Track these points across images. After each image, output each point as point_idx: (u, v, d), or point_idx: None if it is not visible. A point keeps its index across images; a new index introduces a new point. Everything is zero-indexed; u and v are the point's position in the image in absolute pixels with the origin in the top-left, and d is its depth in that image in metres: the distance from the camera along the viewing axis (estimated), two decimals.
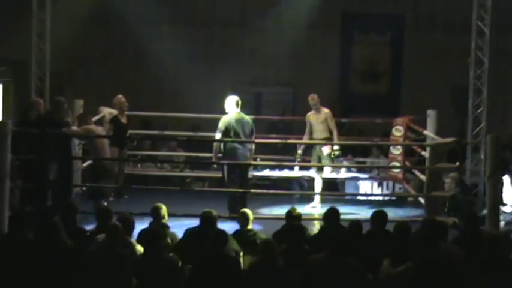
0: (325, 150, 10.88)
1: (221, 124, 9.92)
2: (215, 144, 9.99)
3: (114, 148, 11.35)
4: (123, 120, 11.42)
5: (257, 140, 10.54)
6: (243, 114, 10.06)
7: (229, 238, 6.68)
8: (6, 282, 5.92)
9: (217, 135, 9.94)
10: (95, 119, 11.22)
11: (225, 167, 9.97)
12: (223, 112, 10.05)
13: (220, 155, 10.05)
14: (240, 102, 10.04)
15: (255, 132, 10.17)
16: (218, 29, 14.99)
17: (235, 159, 9.86)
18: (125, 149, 11.63)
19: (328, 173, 11.35)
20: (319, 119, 11.06)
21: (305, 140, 11.16)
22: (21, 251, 6.09)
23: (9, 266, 5.97)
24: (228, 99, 10.11)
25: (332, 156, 10.89)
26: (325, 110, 11.09)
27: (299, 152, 11.32)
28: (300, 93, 15.50)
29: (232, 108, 10.03)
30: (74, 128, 9.76)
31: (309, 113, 11.16)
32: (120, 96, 11.47)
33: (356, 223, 7.12)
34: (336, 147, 10.85)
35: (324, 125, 11.04)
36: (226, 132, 9.90)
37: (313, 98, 11.10)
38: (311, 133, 11.14)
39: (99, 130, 10.15)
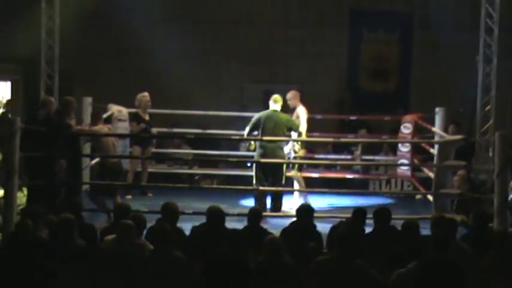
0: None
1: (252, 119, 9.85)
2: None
3: (136, 147, 11.29)
4: (146, 117, 11.34)
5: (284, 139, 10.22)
6: (277, 112, 9.88)
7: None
8: (16, 281, 5.91)
9: (246, 131, 9.90)
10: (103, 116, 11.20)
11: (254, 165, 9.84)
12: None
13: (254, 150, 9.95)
14: (276, 100, 9.94)
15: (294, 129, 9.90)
16: (226, 27, 14.97)
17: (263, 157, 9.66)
18: (148, 148, 11.55)
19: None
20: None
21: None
22: (34, 249, 6.10)
23: (19, 264, 5.97)
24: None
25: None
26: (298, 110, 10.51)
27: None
28: (308, 90, 15.54)
29: (270, 105, 9.95)
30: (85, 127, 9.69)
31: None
32: (145, 93, 11.40)
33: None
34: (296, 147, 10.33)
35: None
36: (254, 127, 9.81)
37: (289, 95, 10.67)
38: None
39: (105, 131, 9.82)
